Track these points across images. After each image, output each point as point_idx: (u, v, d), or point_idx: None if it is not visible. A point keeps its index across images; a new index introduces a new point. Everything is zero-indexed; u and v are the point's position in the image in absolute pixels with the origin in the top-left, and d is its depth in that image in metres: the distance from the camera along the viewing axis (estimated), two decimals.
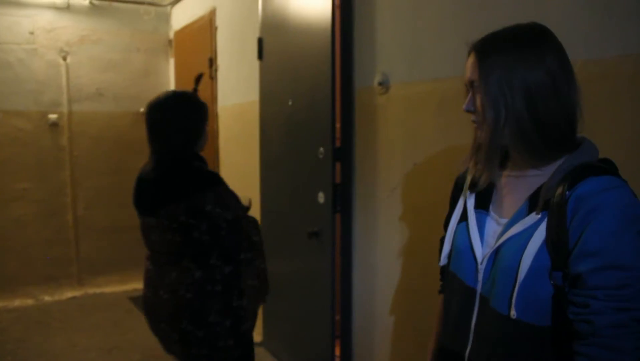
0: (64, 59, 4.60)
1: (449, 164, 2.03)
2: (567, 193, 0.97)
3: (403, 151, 2.26)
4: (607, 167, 1.00)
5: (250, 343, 2.03)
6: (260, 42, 3.26)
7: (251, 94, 3.42)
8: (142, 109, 4.90)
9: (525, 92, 1.01)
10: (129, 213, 4.98)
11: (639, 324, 0.91)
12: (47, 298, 4.63)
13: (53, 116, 4.58)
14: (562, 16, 1.58)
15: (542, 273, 0.99)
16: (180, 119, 1.88)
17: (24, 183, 4.53)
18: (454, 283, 1.18)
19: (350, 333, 2.64)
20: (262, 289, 2.01)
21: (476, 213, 1.16)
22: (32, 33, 4.46)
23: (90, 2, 4.64)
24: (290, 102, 2.93)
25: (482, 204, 1.16)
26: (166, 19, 5.01)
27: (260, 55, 3.26)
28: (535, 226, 1.01)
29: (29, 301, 4.56)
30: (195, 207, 1.79)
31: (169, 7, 4.96)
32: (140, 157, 4.85)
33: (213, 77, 4.09)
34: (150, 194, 1.89)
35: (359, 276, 2.57)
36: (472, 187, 1.18)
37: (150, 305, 1.96)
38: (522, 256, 1.00)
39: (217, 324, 1.86)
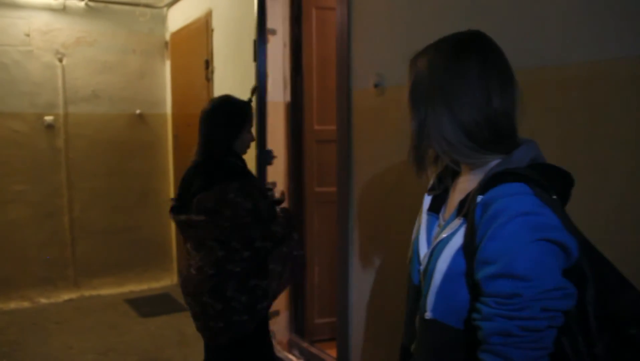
0: (60, 60, 4.59)
1: None
2: (478, 198, 0.99)
3: (400, 152, 2.27)
4: (527, 174, 0.98)
5: (265, 321, 2.24)
6: (256, 44, 3.27)
7: (247, 96, 3.42)
8: (138, 111, 4.92)
9: (445, 101, 1.05)
10: (125, 214, 5.04)
11: (529, 333, 0.90)
12: (43, 301, 4.61)
13: (49, 118, 4.57)
14: (561, 17, 1.59)
15: (458, 277, 1.01)
16: (219, 121, 2.14)
17: (20, 185, 4.51)
18: (408, 281, 1.25)
19: (347, 335, 2.64)
20: (285, 273, 2.17)
21: (427, 215, 1.21)
22: (27, 35, 4.45)
23: (86, 4, 4.63)
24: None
25: (435, 207, 1.20)
26: (162, 20, 5.00)
27: (256, 57, 3.27)
28: (457, 230, 1.03)
29: (25, 304, 4.54)
30: (220, 195, 2.03)
31: (165, 9, 4.96)
32: (135, 159, 4.93)
33: (209, 79, 4.09)
34: (187, 187, 2.14)
35: (356, 278, 2.57)
36: (431, 190, 1.24)
37: (183, 280, 2.20)
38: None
39: (233, 299, 2.06)
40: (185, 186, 2.16)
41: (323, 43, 3.40)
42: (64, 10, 4.58)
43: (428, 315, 1.05)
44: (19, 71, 4.44)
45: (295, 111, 3.47)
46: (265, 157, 3.29)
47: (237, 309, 2.06)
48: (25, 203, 4.54)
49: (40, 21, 4.50)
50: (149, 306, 4.54)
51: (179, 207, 2.16)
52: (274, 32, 3.44)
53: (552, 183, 1.00)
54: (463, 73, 1.05)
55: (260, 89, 3.03)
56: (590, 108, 1.53)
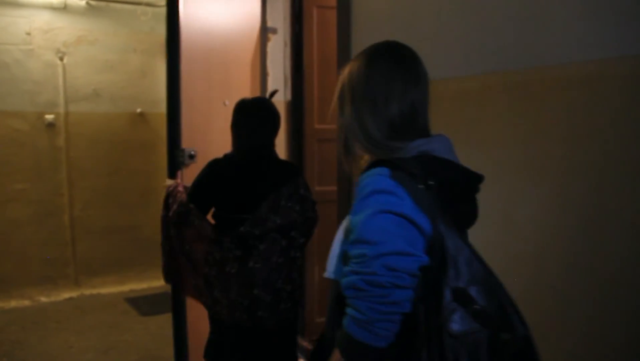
0: (61, 59, 4.59)
1: None
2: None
3: None
4: (393, 161, 1.14)
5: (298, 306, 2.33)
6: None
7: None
8: (139, 110, 4.92)
9: (353, 102, 1.24)
10: (126, 213, 5.03)
11: (374, 288, 1.07)
12: (43, 299, 4.61)
13: (49, 117, 4.58)
14: (560, 16, 1.59)
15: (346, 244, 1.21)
16: (270, 120, 2.24)
17: (21, 183, 4.51)
18: None
19: None
20: None
21: None
22: (28, 33, 4.45)
23: (87, 3, 4.64)
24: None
25: None
26: (163, 19, 4.99)
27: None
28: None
29: (25, 302, 4.54)
30: (293, 191, 2.16)
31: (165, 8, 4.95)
32: (136, 158, 4.93)
33: None
34: (254, 186, 2.17)
35: None
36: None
37: (227, 278, 2.19)
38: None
39: (282, 290, 2.16)
40: (235, 184, 2.18)
41: (324, 42, 3.40)
42: (65, 9, 4.58)
43: (327, 274, 1.27)
44: (20, 70, 4.44)
45: (296, 109, 3.46)
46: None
47: (284, 298, 2.17)
48: (25, 202, 4.54)
49: (41, 20, 4.50)
50: (149, 305, 4.54)
51: (235, 206, 2.17)
52: (274, 30, 3.45)
53: (430, 173, 1.13)
54: (369, 79, 1.22)
55: None
56: (590, 107, 1.53)
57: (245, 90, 3.21)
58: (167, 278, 2.46)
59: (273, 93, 2.48)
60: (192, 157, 2.73)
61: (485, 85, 1.85)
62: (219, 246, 2.15)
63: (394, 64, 1.24)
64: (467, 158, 1.93)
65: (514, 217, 1.77)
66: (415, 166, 1.12)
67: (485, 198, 1.88)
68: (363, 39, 2.44)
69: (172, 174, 2.73)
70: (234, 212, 2.17)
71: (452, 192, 1.18)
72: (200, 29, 2.78)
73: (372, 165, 1.16)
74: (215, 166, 2.23)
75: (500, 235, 1.82)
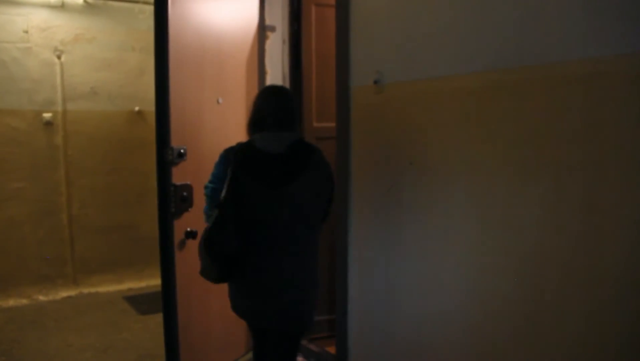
0: (59, 57, 4.58)
1: (445, 162, 2.04)
2: None
3: (399, 149, 2.26)
4: (236, 146, 2.15)
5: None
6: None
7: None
8: (137, 108, 4.91)
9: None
10: (124, 212, 5.03)
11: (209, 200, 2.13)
12: (41, 298, 4.61)
13: (47, 115, 4.56)
14: (560, 15, 1.59)
15: None
16: (296, 106, 2.26)
17: (18, 182, 4.50)
18: None
19: (346, 332, 2.64)
20: None
21: None
22: (26, 31, 4.44)
23: (85, 1, 4.62)
24: None
25: None
26: None
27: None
28: None
29: (24, 301, 4.54)
30: (327, 175, 2.17)
31: None
32: (135, 156, 4.92)
33: None
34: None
35: (355, 275, 2.57)
36: None
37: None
38: None
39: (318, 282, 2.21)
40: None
41: (322, 40, 3.39)
42: (62, 7, 4.56)
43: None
44: (18, 68, 4.43)
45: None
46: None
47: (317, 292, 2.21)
48: (23, 201, 4.53)
49: (39, 18, 4.48)
50: (147, 303, 4.53)
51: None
52: (273, 28, 3.44)
53: (237, 152, 2.10)
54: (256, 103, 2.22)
55: None
56: (589, 105, 1.53)
57: (241, 88, 3.21)
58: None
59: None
60: (181, 155, 2.67)
61: (485, 83, 1.85)
62: None
63: (270, 95, 2.21)
64: (467, 156, 1.93)
65: (514, 215, 1.77)
66: (239, 146, 2.14)
67: (485, 196, 1.88)
68: (361, 36, 2.43)
69: (160, 172, 2.68)
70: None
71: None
72: (193, 26, 2.76)
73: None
74: None
75: (500, 233, 1.82)
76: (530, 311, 1.74)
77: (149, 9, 4.83)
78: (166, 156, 2.63)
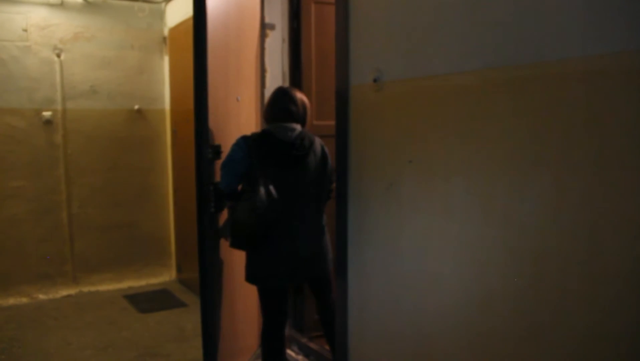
0: (58, 56, 4.58)
1: (444, 161, 2.03)
2: None
3: (398, 148, 2.26)
4: (253, 135, 2.60)
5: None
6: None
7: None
8: (136, 107, 4.90)
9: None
10: (124, 210, 5.03)
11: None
12: (41, 296, 4.61)
13: (47, 114, 4.56)
14: (560, 12, 1.59)
15: None
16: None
17: (18, 180, 4.50)
18: None
19: (346, 331, 2.64)
20: None
21: None
22: (25, 30, 4.44)
23: None
24: None
25: None
26: (160, 16, 4.99)
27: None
28: None
29: (24, 300, 4.54)
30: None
31: (163, 4, 4.94)
32: (134, 154, 4.93)
33: None
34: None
35: (355, 274, 2.57)
36: None
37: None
38: None
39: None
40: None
41: (322, 38, 3.39)
42: (61, 5, 4.56)
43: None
44: (17, 67, 4.43)
45: None
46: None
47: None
48: (23, 199, 4.53)
49: (38, 16, 4.48)
50: (147, 302, 4.54)
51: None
52: (272, 27, 3.43)
53: (257, 138, 2.56)
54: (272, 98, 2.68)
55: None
56: (590, 103, 1.53)
57: (252, 86, 3.22)
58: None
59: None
60: (217, 153, 2.66)
61: (484, 81, 1.85)
62: None
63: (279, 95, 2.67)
64: (467, 154, 1.93)
65: (514, 213, 1.77)
66: (255, 135, 2.60)
67: (485, 194, 1.88)
68: (361, 34, 2.43)
69: (199, 171, 2.64)
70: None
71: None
72: (221, 24, 2.76)
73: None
74: None
75: (501, 232, 1.82)
76: (530, 309, 1.74)
77: (149, 7, 4.85)
78: (206, 154, 2.60)
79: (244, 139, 2.59)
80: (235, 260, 2.92)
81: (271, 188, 2.46)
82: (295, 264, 2.63)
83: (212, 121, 2.63)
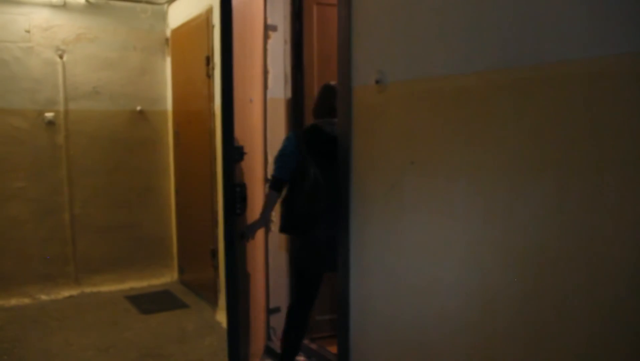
0: (60, 57, 4.59)
1: (446, 162, 2.03)
2: None
3: (400, 149, 2.26)
4: (304, 130, 2.89)
5: None
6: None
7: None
8: (139, 108, 4.91)
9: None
10: (126, 211, 5.03)
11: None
12: (43, 297, 4.62)
13: (49, 115, 4.57)
14: (560, 14, 1.59)
15: None
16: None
17: (20, 181, 4.51)
18: None
19: (347, 332, 2.64)
20: None
21: None
22: (28, 31, 4.45)
23: (87, 0, 4.63)
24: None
25: None
26: (163, 17, 5.00)
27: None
28: None
29: (26, 300, 4.55)
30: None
31: (165, 6, 4.95)
32: (136, 155, 4.94)
33: (210, 76, 4.09)
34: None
35: (356, 274, 2.57)
36: None
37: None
38: None
39: None
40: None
41: (324, 39, 3.39)
42: (64, 6, 4.57)
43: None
44: (20, 68, 4.44)
45: (296, 107, 3.46)
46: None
47: None
48: (25, 200, 4.54)
49: (41, 17, 4.49)
50: (149, 303, 4.54)
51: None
52: (274, 28, 3.44)
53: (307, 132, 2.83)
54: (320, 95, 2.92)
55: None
56: (592, 105, 1.53)
57: (260, 87, 3.23)
58: None
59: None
60: (242, 155, 2.71)
61: (486, 82, 1.85)
62: None
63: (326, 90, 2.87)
64: (469, 156, 1.93)
65: (516, 214, 1.77)
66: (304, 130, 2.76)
67: (487, 195, 1.88)
68: (363, 36, 2.43)
69: (227, 173, 2.65)
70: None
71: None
72: (239, 25, 2.77)
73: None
74: None
75: (501, 233, 1.82)
76: (531, 310, 1.74)
77: (151, 9, 4.86)
78: (233, 155, 2.61)
79: (295, 133, 2.89)
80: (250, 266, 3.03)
81: (319, 176, 2.70)
82: (332, 253, 2.76)
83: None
